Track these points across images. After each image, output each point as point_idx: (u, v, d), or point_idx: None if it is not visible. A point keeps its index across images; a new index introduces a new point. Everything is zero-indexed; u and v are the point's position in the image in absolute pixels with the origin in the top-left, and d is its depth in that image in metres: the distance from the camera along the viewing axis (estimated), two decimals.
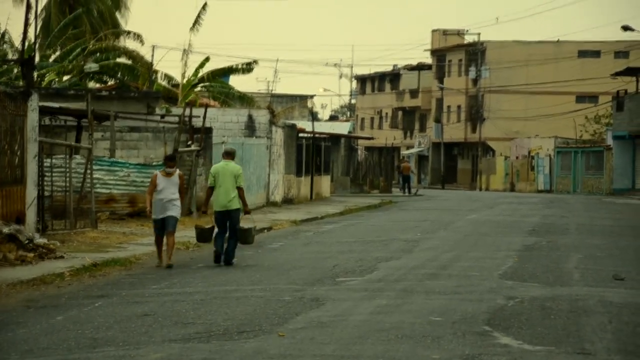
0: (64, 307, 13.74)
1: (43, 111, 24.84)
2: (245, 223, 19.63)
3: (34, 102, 21.02)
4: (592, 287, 16.07)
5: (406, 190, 61.21)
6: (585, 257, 20.90)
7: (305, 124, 54.20)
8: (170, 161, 19.48)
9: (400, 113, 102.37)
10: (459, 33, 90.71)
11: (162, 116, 34.33)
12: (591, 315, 13.26)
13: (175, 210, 19.00)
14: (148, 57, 46.19)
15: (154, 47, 53.39)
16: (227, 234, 19.20)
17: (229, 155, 19.47)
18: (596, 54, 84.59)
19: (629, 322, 12.84)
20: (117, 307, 13.67)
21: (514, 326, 12.31)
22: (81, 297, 14.74)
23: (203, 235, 19.87)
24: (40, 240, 19.38)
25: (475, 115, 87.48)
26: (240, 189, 19.08)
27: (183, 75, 46.06)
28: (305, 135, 48.63)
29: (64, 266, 17.66)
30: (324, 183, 51.69)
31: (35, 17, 25.12)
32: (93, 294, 14.97)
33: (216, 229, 19.35)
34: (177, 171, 19.36)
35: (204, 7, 45.40)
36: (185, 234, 25.08)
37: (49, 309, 13.57)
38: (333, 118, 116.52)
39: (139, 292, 15.18)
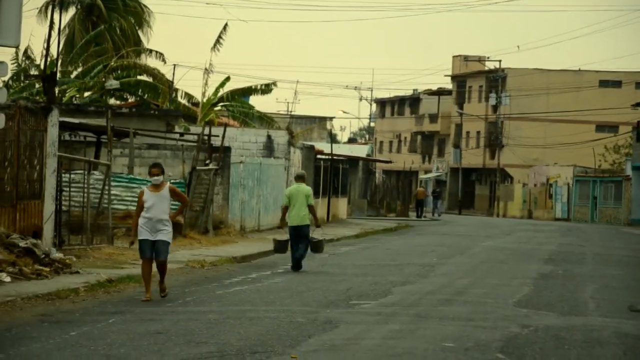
0: (78, 322, 13.76)
1: (63, 126, 24.95)
2: (316, 235, 22.75)
3: (54, 118, 21.11)
4: (607, 317, 15.99)
5: (419, 213, 63.04)
6: (601, 287, 20.82)
7: (323, 146, 54.27)
8: (154, 168, 16.77)
9: (419, 137, 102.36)
10: (480, 60, 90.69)
11: (181, 134, 34.41)
12: (605, 346, 13.19)
13: (165, 234, 16.36)
14: (169, 76, 46.42)
15: (175, 65, 53.60)
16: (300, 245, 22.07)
17: (301, 178, 22.51)
18: (617, 84, 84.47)
19: None
20: (130, 324, 13.68)
21: (527, 355, 12.26)
22: (95, 313, 14.76)
23: (280, 247, 23.14)
24: (56, 255, 19.42)
25: (494, 141, 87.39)
26: (311, 207, 22.10)
27: (203, 95, 46.23)
28: (324, 157, 48.67)
29: (79, 281, 17.69)
30: (341, 205, 51.67)
31: (59, 34, 25.28)
32: (107, 310, 14.98)
33: (290, 242, 22.40)
34: (167, 184, 16.81)
35: (225, 27, 45.62)
36: (201, 252, 25.11)
37: (63, 324, 13.58)
38: (352, 140, 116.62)
39: (152, 310, 15.19)
